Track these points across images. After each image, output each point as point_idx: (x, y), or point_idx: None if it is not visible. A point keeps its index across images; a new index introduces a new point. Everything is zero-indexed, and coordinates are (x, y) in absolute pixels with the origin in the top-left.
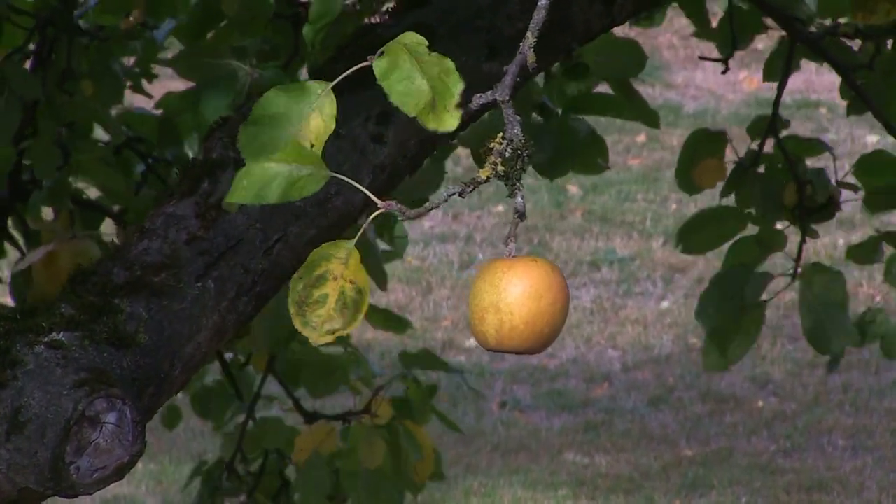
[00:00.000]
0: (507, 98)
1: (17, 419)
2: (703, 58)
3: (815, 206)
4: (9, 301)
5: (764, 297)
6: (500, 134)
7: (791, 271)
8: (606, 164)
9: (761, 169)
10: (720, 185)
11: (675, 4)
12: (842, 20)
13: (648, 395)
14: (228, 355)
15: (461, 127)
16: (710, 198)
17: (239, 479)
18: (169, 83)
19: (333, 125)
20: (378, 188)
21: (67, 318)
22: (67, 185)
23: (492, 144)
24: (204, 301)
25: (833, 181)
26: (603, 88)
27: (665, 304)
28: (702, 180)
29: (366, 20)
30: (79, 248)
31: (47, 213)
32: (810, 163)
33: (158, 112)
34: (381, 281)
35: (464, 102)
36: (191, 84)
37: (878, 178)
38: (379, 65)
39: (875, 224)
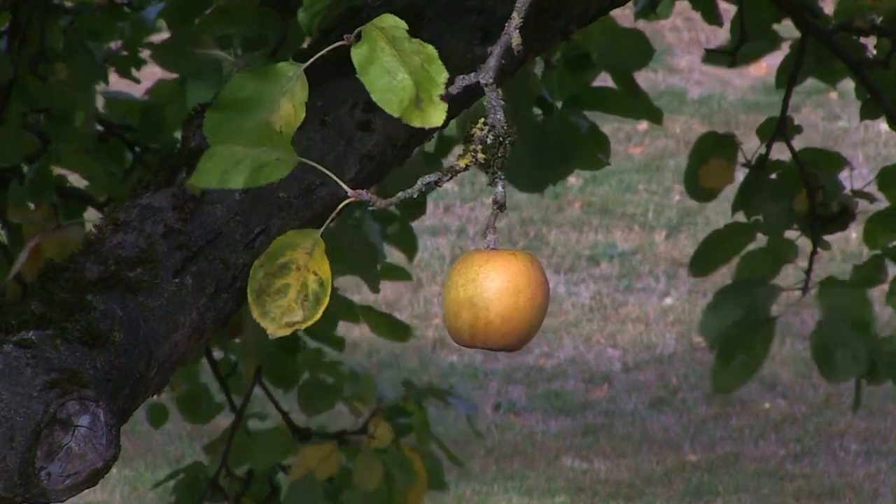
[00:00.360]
0: (491, 80)
1: None
2: (709, 50)
3: (828, 216)
4: None
5: (775, 310)
6: (482, 119)
7: (801, 285)
8: (608, 159)
9: (772, 175)
10: (727, 192)
11: None
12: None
13: (650, 397)
14: (217, 353)
15: (452, 114)
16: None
17: (224, 495)
18: (160, 69)
19: (304, 113)
20: (365, 179)
21: (38, 315)
22: (51, 177)
23: (473, 130)
24: (181, 297)
25: (848, 188)
26: (602, 79)
27: (668, 301)
28: (708, 181)
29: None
30: (65, 237)
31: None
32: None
33: (137, 98)
34: (373, 282)
35: (447, 90)
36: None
37: None
38: (357, 53)
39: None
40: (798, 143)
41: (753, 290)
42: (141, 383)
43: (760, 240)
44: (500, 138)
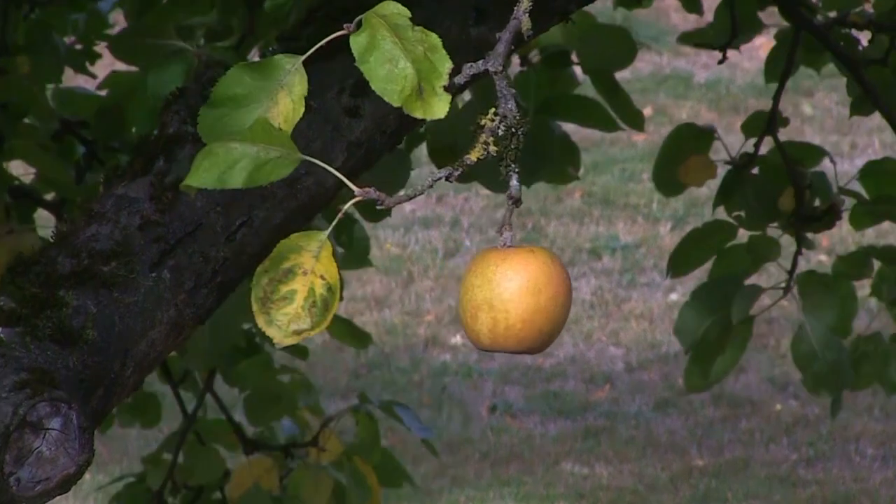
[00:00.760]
0: (501, 68)
1: None
2: (699, 45)
3: (815, 214)
4: None
5: (753, 311)
6: (493, 110)
7: (783, 284)
8: (577, 172)
9: (756, 170)
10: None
11: None
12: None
13: (655, 398)
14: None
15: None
16: (720, 180)
17: None
18: (116, 63)
19: (303, 107)
20: (353, 167)
21: (7, 312)
22: (5, 175)
23: (483, 121)
24: (159, 293)
25: (834, 187)
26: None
27: (673, 297)
28: (688, 177)
29: None
30: (19, 243)
31: None
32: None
33: (103, 93)
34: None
35: (452, 76)
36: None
37: (886, 187)
38: (357, 41)
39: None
40: (808, 130)
41: (732, 289)
42: (116, 384)
43: (742, 237)
44: (513, 129)
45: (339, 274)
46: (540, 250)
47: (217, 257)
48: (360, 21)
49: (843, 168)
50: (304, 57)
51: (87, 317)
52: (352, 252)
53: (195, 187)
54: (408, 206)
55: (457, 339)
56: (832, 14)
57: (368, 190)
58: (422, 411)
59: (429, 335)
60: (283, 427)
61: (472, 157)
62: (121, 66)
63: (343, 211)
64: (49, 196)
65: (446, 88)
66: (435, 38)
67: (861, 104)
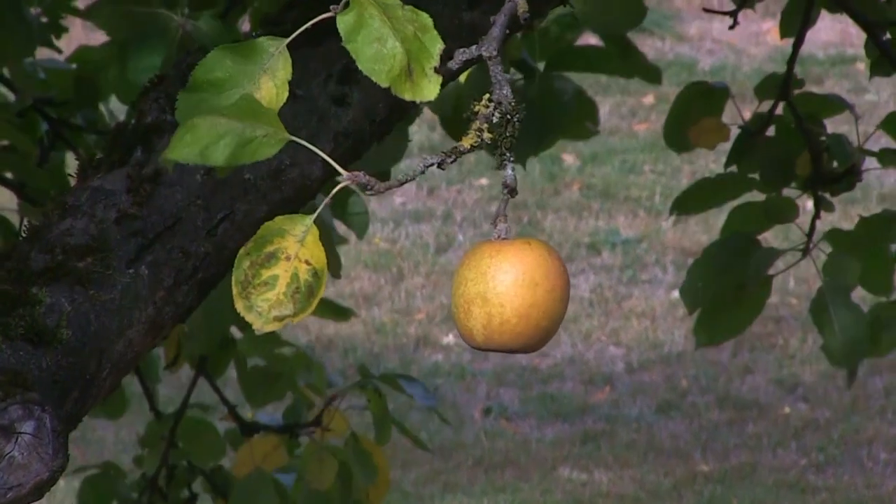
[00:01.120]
0: (495, 53)
1: None
2: (707, 10)
3: (833, 175)
4: None
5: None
6: (487, 95)
7: (802, 247)
8: (596, 127)
9: (770, 133)
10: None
11: None
12: None
13: (657, 401)
14: None
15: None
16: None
17: (164, 499)
18: (81, 36)
19: (287, 92)
20: (340, 158)
21: None
22: None
23: (477, 108)
24: (137, 290)
25: (856, 144)
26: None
27: (676, 294)
28: (700, 140)
29: None
30: None
31: None
32: (829, 125)
33: (72, 67)
34: (334, 267)
35: (444, 62)
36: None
37: None
38: (344, 20)
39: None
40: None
41: (746, 248)
42: (91, 385)
43: (758, 196)
44: (508, 116)
45: (331, 257)
46: (536, 242)
47: (198, 253)
48: (348, 2)
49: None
50: (288, 40)
51: (61, 315)
52: (349, 225)
53: (174, 160)
54: (398, 199)
55: (449, 339)
56: None
57: (358, 174)
58: (412, 414)
59: (420, 334)
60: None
61: (466, 144)
62: (89, 41)
63: (331, 196)
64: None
65: (437, 70)
66: (426, 18)
67: (881, 65)
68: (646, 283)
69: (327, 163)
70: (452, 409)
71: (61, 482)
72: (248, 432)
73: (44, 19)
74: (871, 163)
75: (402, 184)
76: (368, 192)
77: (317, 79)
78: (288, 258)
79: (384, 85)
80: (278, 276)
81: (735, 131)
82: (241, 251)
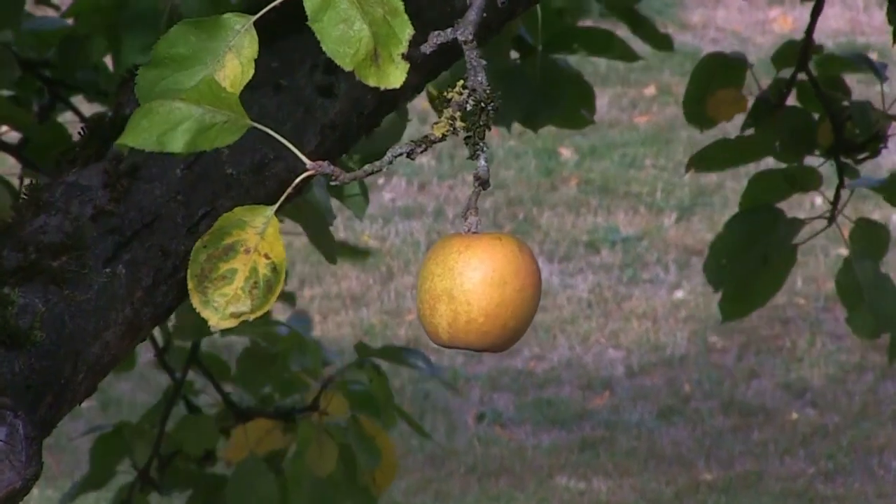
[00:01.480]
0: (471, 38)
1: None
2: None
3: (857, 143)
4: None
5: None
6: (461, 82)
7: (827, 214)
8: (592, 115)
9: (790, 102)
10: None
11: None
12: None
13: (658, 406)
14: None
15: (429, 76)
16: None
17: (154, 488)
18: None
19: (252, 71)
20: (327, 152)
21: None
22: None
23: (450, 95)
24: (113, 290)
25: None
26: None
27: (679, 295)
28: (718, 112)
29: None
30: None
31: None
32: (853, 89)
33: (68, 23)
34: (329, 252)
35: (415, 48)
36: None
37: None
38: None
39: None
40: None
41: (770, 219)
42: (66, 390)
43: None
44: (482, 104)
45: (326, 239)
46: (507, 238)
47: (177, 251)
48: None
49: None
50: (255, 17)
51: (34, 316)
52: (349, 206)
53: (130, 146)
54: (387, 195)
55: None
56: None
57: (322, 164)
58: (401, 421)
59: (410, 336)
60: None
61: (437, 133)
62: None
63: (292, 187)
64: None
65: (405, 56)
66: (396, 1)
67: None
68: (647, 283)
69: (315, 156)
70: (444, 414)
71: (34, 491)
72: (242, 419)
73: None
74: None
75: (367, 174)
76: (333, 182)
77: (302, 68)
78: (247, 251)
79: (348, 69)
80: (237, 269)
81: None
82: (198, 243)
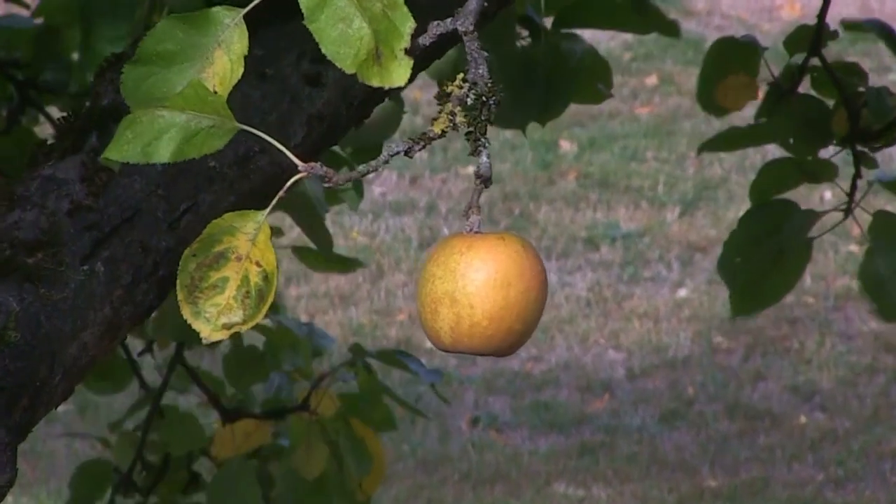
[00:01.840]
0: (471, 28)
1: None
2: None
3: (873, 131)
4: None
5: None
6: (461, 75)
7: (843, 207)
8: (609, 89)
9: (803, 90)
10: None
11: None
12: None
13: (661, 410)
14: None
15: (422, 65)
16: (739, 156)
17: (136, 489)
18: None
19: (242, 68)
20: (314, 144)
21: None
22: None
23: (450, 88)
24: (92, 289)
25: None
26: None
27: (682, 293)
28: (727, 100)
29: None
30: None
31: None
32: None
33: (37, 22)
34: (324, 246)
35: (416, 41)
36: None
37: None
38: None
39: None
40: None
41: (784, 212)
42: (42, 392)
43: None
44: (484, 98)
45: (320, 232)
46: (511, 237)
47: (158, 247)
48: None
49: None
50: (245, 10)
51: (8, 316)
52: (343, 200)
53: (116, 161)
54: (377, 189)
55: None
56: None
57: (314, 165)
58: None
59: (401, 337)
60: (268, 389)
61: (436, 129)
62: None
63: (283, 191)
64: None
65: (407, 52)
66: None
67: None
68: (648, 281)
69: (301, 149)
70: (437, 418)
71: (9, 498)
72: (230, 419)
73: None
74: None
75: (363, 175)
76: (326, 185)
77: (288, 57)
78: (238, 258)
79: (350, 71)
80: (228, 278)
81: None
82: (187, 252)
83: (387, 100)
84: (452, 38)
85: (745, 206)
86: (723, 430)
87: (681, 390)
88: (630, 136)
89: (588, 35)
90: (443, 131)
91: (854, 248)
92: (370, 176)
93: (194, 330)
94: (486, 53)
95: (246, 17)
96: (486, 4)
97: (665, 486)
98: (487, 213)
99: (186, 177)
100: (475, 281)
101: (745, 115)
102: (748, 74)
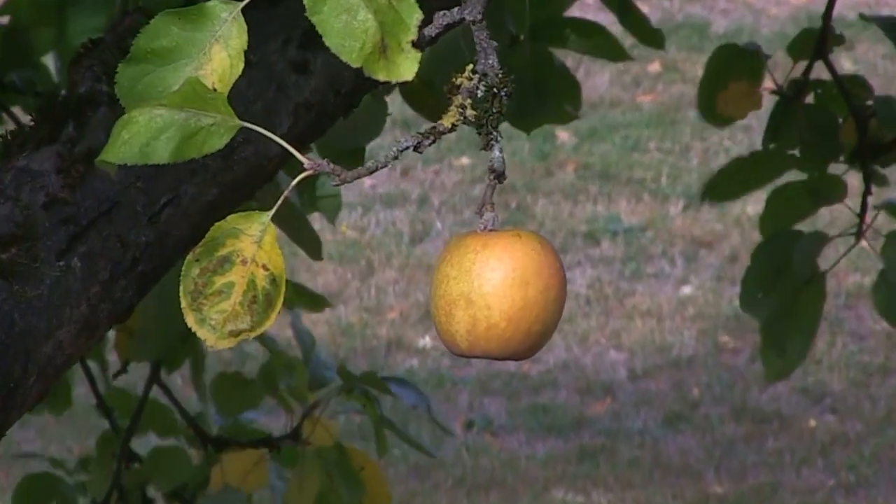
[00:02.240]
0: (480, 17)
1: None
2: None
3: (883, 144)
4: None
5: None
6: (470, 66)
7: (853, 230)
8: (577, 110)
9: (809, 99)
10: (752, 123)
11: None
12: None
13: (664, 413)
14: None
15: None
16: (746, 147)
17: None
18: None
19: (242, 63)
20: (301, 134)
21: None
22: None
23: (459, 80)
24: (68, 285)
25: None
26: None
27: (686, 290)
28: (728, 108)
29: None
30: None
31: None
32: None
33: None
34: (313, 249)
35: (422, 32)
36: None
37: None
38: None
39: None
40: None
41: (793, 241)
42: (16, 393)
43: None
44: (495, 89)
45: (307, 234)
46: (528, 234)
47: (137, 242)
48: None
49: None
50: (243, 3)
51: None
52: (320, 210)
53: (113, 164)
54: (367, 181)
55: (426, 341)
56: None
57: (321, 162)
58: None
59: (392, 336)
60: (254, 417)
61: (446, 123)
62: None
63: (286, 193)
64: None
65: (415, 44)
66: None
67: None
68: (651, 278)
69: (287, 139)
70: (430, 422)
71: None
72: (215, 447)
73: None
74: None
75: (371, 172)
76: (334, 184)
77: (274, 43)
78: (244, 262)
79: (356, 65)
80: (234, 282)
81: (767, 99)
82: (189, 257)
83: (370, 97)
84: (449, 28)
85: (751, 198)
86: (729, 433)
87: (685, 392)
88: (632, 125)
89: (591, 17)
90: (453, 125)
91: (865, 244)
92: (361, 168)
93: (174, 349)
94: (495, 43)
95: None
96: None
97: (669, 492)
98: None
99: (167, 168)
100: (492, 280)
101: (748, 123)
102: (750, 82)
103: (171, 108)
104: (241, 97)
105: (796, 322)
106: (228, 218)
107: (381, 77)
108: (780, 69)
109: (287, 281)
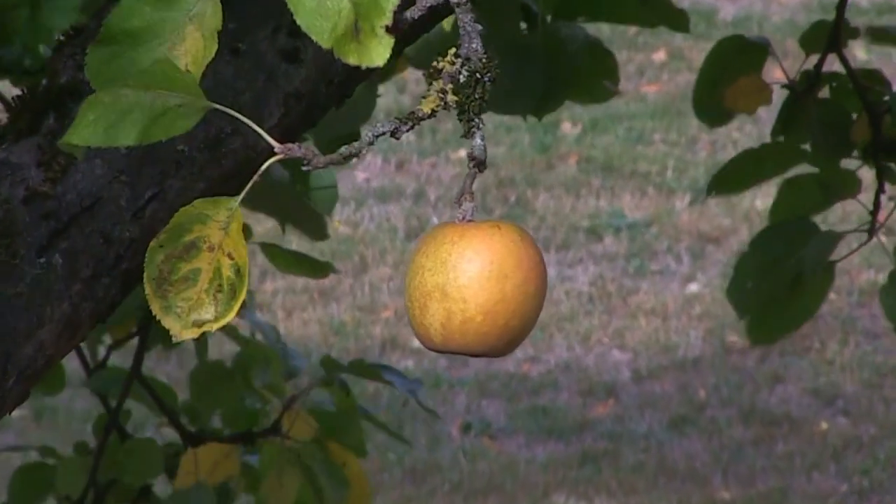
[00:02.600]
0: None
1: None
2: None
3: None
4: None
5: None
6: (453, 50)
7: (866, 227)
8: (616, 86)
9: (822, 93)
10: (761, 113)
11: None
12: None
13: (669, 415)
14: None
15: (408, 41)
16: (755, 139)
17: None
18: None
19: (216, 45)
20: (292, 125)
21: None
22: None
23: (441, 64)
24: (49, 283)
25: None
26: None
27: (693, 288)
28: (739, 104)
29: None
30: None
31: None
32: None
33: None
34: (316, 228)
35: (403, 14)
36: None
37: None
38: None
39: None
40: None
41: (802, 234)
42: None
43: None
44: (478, 74)
45: (307, 214)
46: (507, 226)
47: (121, 238)
48: None
49: None
50: None
51: None
52: (315, 202)
53: (77, 146)
54: (360, 175)
55: None
56: None
57: (292, 147)
58: (378, 433)
59: (386, 336)
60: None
61: (425, 108)
62: None
63: (258, 174)
64: None
65: (389, 29)
66: None
67: None
68: (656, 275)
69: (278, 130)
70: (426, 424)
71: None
72: (192, 442)
73: None
74: None
75: (346, 158)
76: (305, 168)
77: (263, 30)
78: (211, 248)
79: (325, 46)
80: (200, 269)
81: (778, 93)
82: (153, 243)
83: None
84: (439, 12)
85: (759, 192)
86: (737, 436)
87: (691, 394)
88: (636, 116)
89: None
90: (433, 111)
91: (880, 240)
92: (353, 160)
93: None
94: (479, 27)
95: None
96: None
97: (674, 497)
98: (481, 200)
99: (152, 162)
100: (468, 272)
101: (757, 114)
102: (760, 74)
103: (138, 89)
104: (229, 87)
105: (796, 304)
106: (195, 203)
107: (352, 61)
108: (791, 58)
109: (285, 250)
